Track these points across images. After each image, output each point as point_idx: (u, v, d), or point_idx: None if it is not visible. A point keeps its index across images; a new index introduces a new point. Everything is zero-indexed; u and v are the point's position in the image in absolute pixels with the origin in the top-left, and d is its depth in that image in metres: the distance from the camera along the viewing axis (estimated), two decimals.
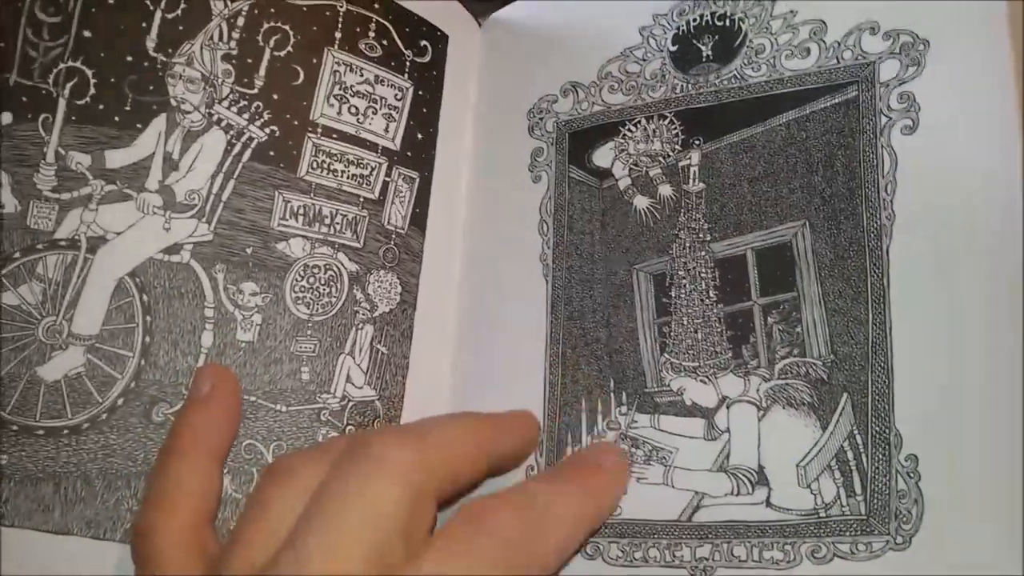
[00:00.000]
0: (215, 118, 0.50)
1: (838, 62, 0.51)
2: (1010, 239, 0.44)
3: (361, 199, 0.55)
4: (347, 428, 0.52)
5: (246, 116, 0.51)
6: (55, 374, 0.45)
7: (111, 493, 0.45)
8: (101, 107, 0.48)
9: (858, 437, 0.45)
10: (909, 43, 0.49)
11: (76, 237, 0.47)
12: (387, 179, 0.56)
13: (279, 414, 0.50)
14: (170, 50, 0.50)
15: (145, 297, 0.47)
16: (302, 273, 0.52)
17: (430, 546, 0.35)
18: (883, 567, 0.43)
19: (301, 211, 0.52)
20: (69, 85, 0.47)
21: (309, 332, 0.52)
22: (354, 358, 0.53)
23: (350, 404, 0.52)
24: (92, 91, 0.48)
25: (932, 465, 0.43)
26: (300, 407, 0.51)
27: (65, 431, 0.45)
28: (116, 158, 0.48)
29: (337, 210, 0.54)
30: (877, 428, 0.45)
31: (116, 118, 0.48)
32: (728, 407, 0.49)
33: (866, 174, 0.48)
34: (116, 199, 0.47)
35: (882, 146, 0.48)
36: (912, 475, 0.43)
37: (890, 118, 0.48)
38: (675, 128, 0.55)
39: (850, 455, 0.45)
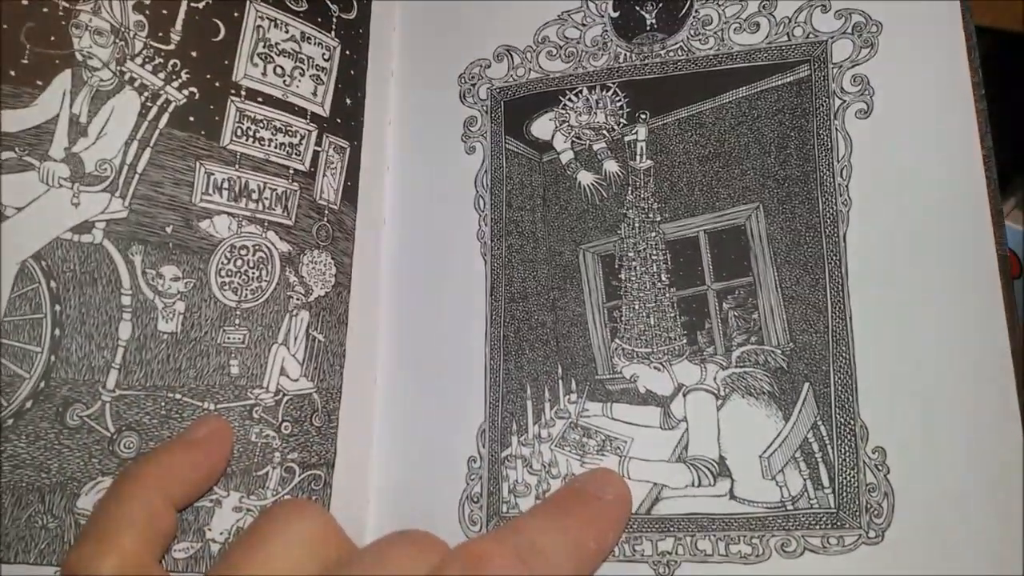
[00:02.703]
0: (127, 77, 0.41)
1: (789, 39, 0.47)
2: (969, 225, 0.42)
3: (291, 171, 0.47)
4: (283, 425, 0.45)
5: (162, 75, 0.42)
6: None
7: (21, 510, 0.37)
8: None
9: (822, 428, 0.42)
10: (862, 23, 0.46)
11: None
12: (317, 148, 0.48)
13: (206, 413, 0.43)
14: None
15: (53, 283, 0.38)
16: (228, 255, 0.45)
17: None
18: (857, 561, 0.40)
19: (226, 184, 0.45)
20: None
21: (238, 321, 0.45)
22: (288, 348, 0.46)
23: (285, 399, 0.46)
24: None
25: (900, 458, 0.41)
26: (230, 404, 0.44)
27: None
28: (13, 119, 0.38)
29: (265, 183, 0.46)
30: (842, 419, 0.42)
31: (12, 72, 0.38)
32: (684, 395, 0.45)
33: (821, 157, 0.45)
34: (15, 168, 0.38)
35: (836, 129, 0.45)
36: (880, 468, 0.41)
37: (844, 101, 0.45)
38: (619, 100, 0.50)
39: (815, 447, 0.42)
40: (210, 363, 0.43)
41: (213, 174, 0.44)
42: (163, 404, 0.41)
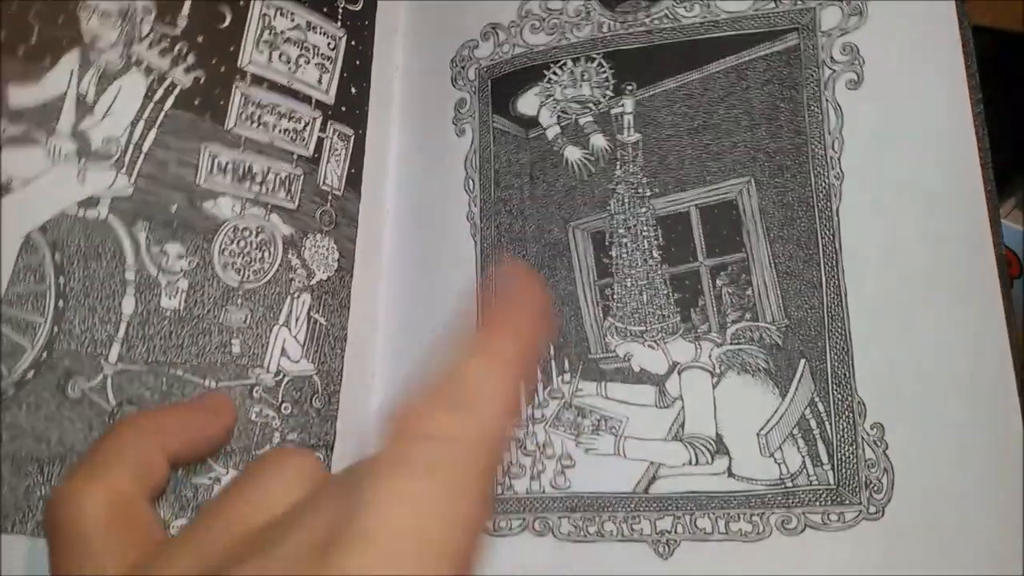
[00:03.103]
0: (134, 59, 0.42)
1: (776, 5, 0.47)
2: (963, 197, 0.42)
3: (295, 156, 0.48)
4: (282, 405, 0.45)
5: (168, 59, 0.43)
6: None
7: (20, 479, 0.37)
8: (3, 37, 0.39)
9: (820, 405, 0.42)
10: None
11: None
12: (322, 135, 0.49)
13: (208, 391, 0.43)
14: None
15: (58, 256, 0.39)
16: (232, 236, 0.45)
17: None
18: (858, 537, 0.40)
19: (230, 167, 0.45)
20: None
21: (240, 301, 0.45)
22: (290, 329, 0.47)
23: (286, 379, 0.46)
24: None
25: (899, 434, 0.41)
26: (231, 382, 0.44)
27: None
28: (21, 95, 0.39)
29: (269, 167, 0.47)
30: (839, 396, 0.42)
31: (20, 51, 0.39)
32: (679, 373, 0.45)
33: (812, 130, 0.45)
34: (22, 143, 0.39)
35: (827, 100, 0.45)
36: (879, 443, 0.40)
37: (834, 71, 0.45)
38: (604, 71, 0.50)
39: (813, 423, 0.42)
40: (212, 341, 0.43)
41: (217, 156, 0.45)
42: (164, 380, 0.42)
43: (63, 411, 0.39)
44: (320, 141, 0.49)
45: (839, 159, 0.44)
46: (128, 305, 0.41)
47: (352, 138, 0.51)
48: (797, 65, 0.46)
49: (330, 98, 0.50)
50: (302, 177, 0.48)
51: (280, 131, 0.47)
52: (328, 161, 0.49)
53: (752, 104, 0.46)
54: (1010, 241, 0.57)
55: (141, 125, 0.42)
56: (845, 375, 0.42)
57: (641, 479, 0.44)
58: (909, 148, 0.43)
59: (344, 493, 0.25)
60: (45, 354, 0.39)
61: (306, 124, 0.48)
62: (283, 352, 0.46)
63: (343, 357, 0.48)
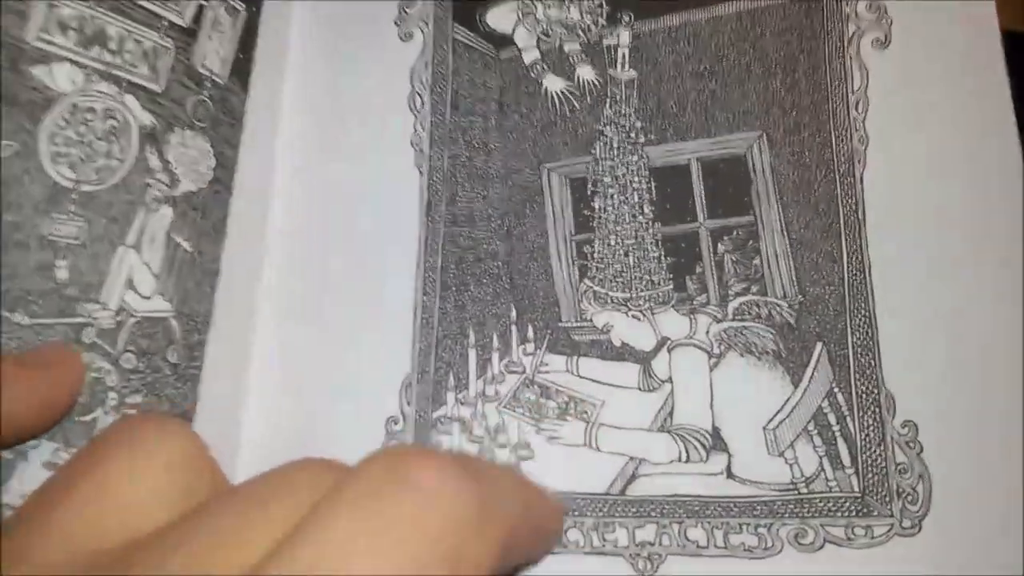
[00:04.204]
0: None
1: None
2: (999, 166, 0.36)
3: (165, 23, 0.37)
4: (123, 357, 0.34)
5: None
6: None
7: None
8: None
9: (840, 396, 0.35)
10: None
11: None
12: (203, 2, 0.38)
13: (19, 328, 0.31)
14: None
15: None
16: (68, 117, 0.33)
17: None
18: (889, 556, 0.33)
19: (75, 24, 0.33)
20: None
21: (73, 208, 0.33)
22: (140, 253, 0.35)
23: (131, 321, 0.35)
24: None
25: (935, 434, 0.34)
26: (52, 320, 0.32)
27: None
28: None
29: (129, 32, 0.35)
30: (863, 387, 0.35)
31: None
32: (670, 351, 0.37)
33: (833, 87, 0.38)
34: None
35: (851, 58, 0.38)
36: (912, 445, 0.34)
37: (859, 27, 0.39)
38: None
39: (832, 418, 0.35)
40: (29, 260, 0.31)
41: (57, 6, 0.33)
42: None
43: None
44: (200, 10, 0.38)
45: (863, 121, 0.38)
46: None
47: (242, 14, 0.40)
48: (818, 16, 0.39)
49: None
50: (172, 51, 0.37)
51: None
52: (209, 37, 0.39)
53: (767, 52, 0.39)
54: None
55: None
56: (870, 363, 0.35)
57: (617, 478, 0.36)
58: (941, 114, 0.37)
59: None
60: None
61: None
62: (129, 283, 0.35)
63: (213, 297, 0.37)
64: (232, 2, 0.39)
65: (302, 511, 0.22)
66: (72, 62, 0.33)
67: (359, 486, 0.23)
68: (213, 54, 0.38)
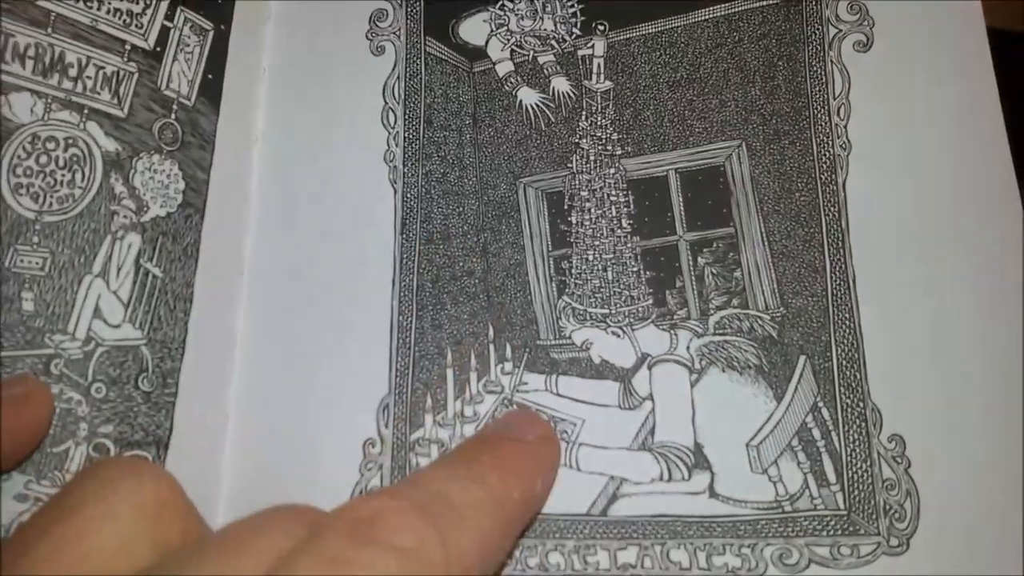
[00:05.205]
0: None
1: None
2: (987, 172, 0.35)
3: (127, 47, 0.36)
4: (93, 386, 0.33)
5: None
6: None
7: None
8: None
9: (824, 411, 0.34)
10: None
11: None
12: (168, 23, 0.37)
13: None
14: None
15: None
16: (29, 147, 0.33)
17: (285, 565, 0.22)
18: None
19: (32, 52, 0.33)
20: None
21: (36, 239, 0.33)
22: (108, 282, 0.34)
23: (99, 350, 0.34)
24: None
25: (923, 449, 0.32)
26: (18, 352, 0.32)
27: None
28: None
29: (89, 58, 0.34)
30: (848, 401, 0.34)
31: None
32: (650, 368, 0.36)
33: (814, 92, 0.37)
34: None
35: (831, 62, 0.37)
36: (899, 460, 0.32)
37: (840, 30, 0.38)
38: (572, 5, 0.40)
39: (816, 433, 0.34)
40: None
41: (14, 36, 0.32)
42: None
43: None
44: (165, 31, 0.37)
45: (845, 127, 0.36)
46: None
47: (211, 33, 0.39)
48: (798, 20, 0.38)
49: None
50: (136, 76, 0.36)
51: (108, 11, 0.35)
52: (175, 59, 0.38)
53: (745, 59, 0.38)
54: None
55: None
56: (855, 376, 0.34)
57: (598, 498, 0.35)
58: (926, 118, 0.36)
59: None
60: None
61: (147, 5, 0.37)
62: (97, 312, 0.34)
63: (187, 323, 0.36)
64: (199, 22, 0.38)
65: (272, 561, 0.22)
66: (31, 91, 0.33)
67: (327, 545, 0.23)
68: (180, 76, 0.37)
